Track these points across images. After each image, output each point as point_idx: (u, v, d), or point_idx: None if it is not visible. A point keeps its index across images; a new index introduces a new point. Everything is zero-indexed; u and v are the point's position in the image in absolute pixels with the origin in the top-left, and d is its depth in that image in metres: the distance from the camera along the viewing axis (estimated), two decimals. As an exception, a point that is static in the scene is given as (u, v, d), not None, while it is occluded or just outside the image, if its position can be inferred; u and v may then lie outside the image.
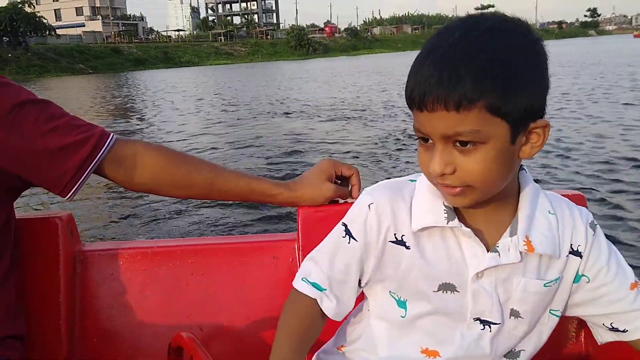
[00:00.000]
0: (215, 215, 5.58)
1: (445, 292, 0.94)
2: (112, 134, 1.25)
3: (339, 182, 1.38)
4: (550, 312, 0.97)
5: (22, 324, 1.26)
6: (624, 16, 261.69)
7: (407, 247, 0.95)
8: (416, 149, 0.90)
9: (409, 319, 0.98)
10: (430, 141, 0.84)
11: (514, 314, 0.94)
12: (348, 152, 8.61)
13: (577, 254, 0.93)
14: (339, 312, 1.01)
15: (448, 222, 0.91)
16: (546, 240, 0.91)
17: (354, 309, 1.06)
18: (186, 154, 1.35)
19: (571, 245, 0.93)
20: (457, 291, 0.93)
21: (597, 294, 0.95)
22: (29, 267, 1.34)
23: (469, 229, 0.90)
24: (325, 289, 1.00)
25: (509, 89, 0.78)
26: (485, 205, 0.90)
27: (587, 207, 1.23)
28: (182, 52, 73.09)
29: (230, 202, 5.39)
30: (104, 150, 1.21)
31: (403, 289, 0.97)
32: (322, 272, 1.01)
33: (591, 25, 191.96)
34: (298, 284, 1.03)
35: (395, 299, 0.99)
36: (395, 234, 0.95)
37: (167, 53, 70.13)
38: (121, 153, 1.25)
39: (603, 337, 1.00)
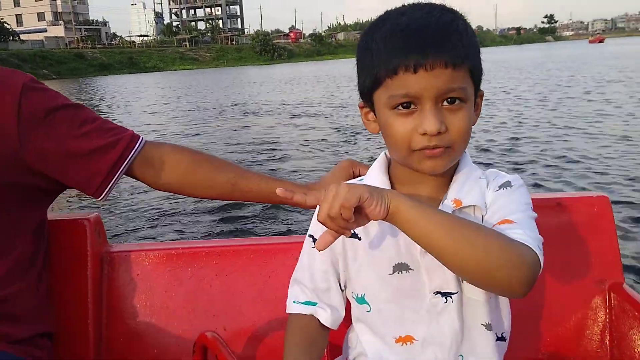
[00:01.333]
0: (238, 216, 5.64)
1: (400, 272, 0.98)
2: (141, 137, 1.31)
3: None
4: None
5: (52, 322, 1.30)
6: (581, 22, 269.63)
7: (359, 238, 1.01)
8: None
9: (374, 312, 1.02)
10: (414, 107, 0.90)
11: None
12: (308, 143, 9.81)
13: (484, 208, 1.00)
14: (335, 319, 1.06)
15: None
16: (473, 194, 0.97)
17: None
18: (211, 155, 1.41)
19: (485, 203, 0.99)
20: (411, 269, 0.97)
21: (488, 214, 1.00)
22: (58, 267, 1.37)
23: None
24: (317, 303, 1.05)
25: (478, 57, 0.93)
26: (427, 181, 0.99)
27: (612, 211, 1.39)
28: (147, 58, 72.76)
29: (252, 203, 5.40)
30: (135, 152, 1.27)
31: (359, 283, 1.03)
32: (307, 288, 1.06)
33: (549, 31, 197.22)
34: (291, 308, 1.08)
35: (354, 297, 1.04)
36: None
37: (132, 58, 69.74)
38: (150, 155, 1.30)
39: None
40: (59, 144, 1.18)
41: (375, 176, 1.03)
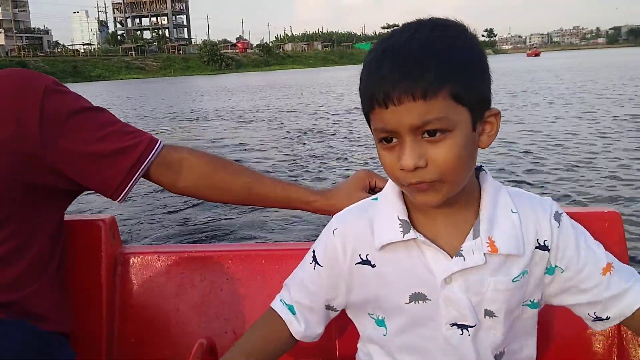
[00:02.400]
0: (252, 221, 5.61)
1: (417, 302, 0.94)
2: (159, 140, 1.31)
3: (374, 193, 1.40)
4: (523, 305, 0.96)
5: (68, 321, 1.30)
6: (519, 36, 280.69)
7: (373, 266, 0.96)
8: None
9: (390, 336, 0.99)
10: (395, 140, 0.84)
11: (489, 313, 0.93)
12: (256, 149, 10.26)
13: (544, 248, 0.93)
14: (307, 335, 1.05)
15: (404, 235, 0.91)
16: (509, 240, 0.90)
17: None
18: (228, 160, 1.41)
19: (537, 240, 0.93)
20: (428, 299, 0.93)
21: (571, 283, 0.96)
22: (72, 268, 1.38)
23: (426, 239, 0.91)
24: (296, 313, 1.04)
25: (468, 76, 0.82)
26: (447, 209, 0.91)
27: (623, 227, 1.36)
28: (92, 66, 71.48)
29: (266, 208, 5.14)
30: (153, 155, 1.27)
31: (379, 308, 0.99)
32: (291, 297, 1.04)
33: (489, 45, 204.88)
34: (276, 304, 1.06)
35: (374, 319, 1.00)
36: (360, 255, 0.96)
37: (76, 67, 68.31)
38: (168, 158, 1.31)
39: (595, 326, 1.00)
40: (80, 146, 1.20)
41: (391, 201, 0.97)
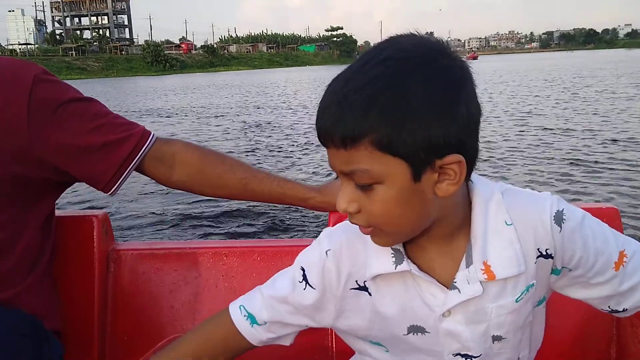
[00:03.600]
0: (246, 217, 5.61)
1: (415, 334, 0.88)
2: (152, 133, 1.29)
3: None
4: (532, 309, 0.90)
5: (59, 319, 1.28)
6: (458, 40, 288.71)
7: (370, 294, 0.89)
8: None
9: (393, 355, 0.94)
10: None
11: (497, 339, 0.87)
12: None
13: (547, 256, 0.84)
14: (266, 342, 0.99)
15: (396, 267, 0.84)
16: (507, 261, 0.81)
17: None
18: (223, 154, 1.39)
19: (538, 249, 0.83)
20: (427, 332, 0.87)
21: (583, 279, 0.88)
22: (64, 264, 1.36)
23: (421, 272, 0.84)
24: (260, 324, 0.96)
25: (398, 122, 0.70)
26: (435, 236, 0.83)
27: (621, 223, 1.35)
28: (31, 67, 70.11)
29: (263, 204, 5.26)
30: (146, 148, 1.25)
31: (374, 335, 0.93)
32: (264, 308, 0.96)
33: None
34: (234, 308, 0.98)
35: (368, 340, 0.95)
36: (357, 281, 0.89)
37: (13, 67, 66.89)
38: (161, 151, 1.29)
39: (613, 314, 0.93)
40: (70, 138, 1.17)
41: (377, 246, 0.87)
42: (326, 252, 0.91)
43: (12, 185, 1.16)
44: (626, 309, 0.90)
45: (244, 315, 0.97)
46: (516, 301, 0.84)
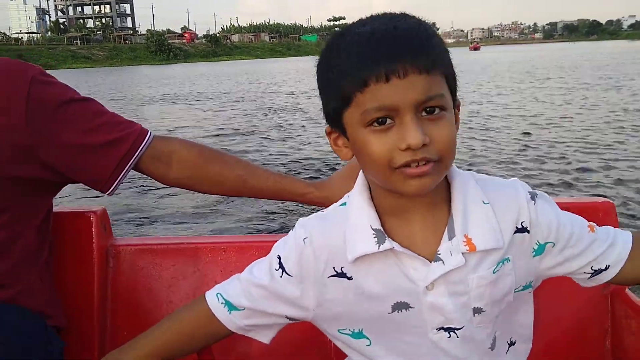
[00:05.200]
0: (246, 213, 5.58)
1: (399, 311, 0.90)
2: (149, 131, 1.30)
3: None
4: (516, 291, 0.92)
5: (60, 315, 1.29)
6: (461, 30, 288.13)
7: (349, 278, 0.90)
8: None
9: (375, 345, 0.95)
10: (390, 121, 0.79)
11: (477, 311, 0.90)
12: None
13: (522, 230, 0.89)
14: (244, 330, 0.99)
15: (379, 246, 0.86)
16: (486, 234, 0.87)
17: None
18: (220, 151, 1.40)
19: (515, 225, 0.89)
20: (411, 307, 0.89)
21: (567, 252, 0.92)
22: (63, 260, 1.37)
23: (403, 249, 0.86)
24: (239, 309, 0.97)
25: (450, 61, 0.83)
26: (418, 210, 0.88)
27: (617, 216, 1.38)
28: (37, 55, 69.77)
29: (262, 200, 4.59)
30: (143, 147, 1.26)
31: (355, 321, 0.94)
32: (242, 295, 0.97)
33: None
34: (211, 295, 0.99)
35: (347, 334, 0.96)
36: (334, 267, 0.91)
37: (21, 56, 66.71)
38: (159, 149, 1.29)
39: (590, 283, 0.97)
40: (70, 138, 1.18)
41: (361, 208, 0.91)
42: (303, 240, 0.92)
43: (11, 185, 1.17)
44: (608, 266, 0.93)
45: (221, 303, 0.98)
46: (493, 272, 0.88)
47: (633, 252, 0.94)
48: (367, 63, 0.77)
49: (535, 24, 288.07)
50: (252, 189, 1.36)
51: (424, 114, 0.79)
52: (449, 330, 0.90)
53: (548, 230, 0.90)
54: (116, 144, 1.23)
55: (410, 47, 0.77)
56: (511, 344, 0.99)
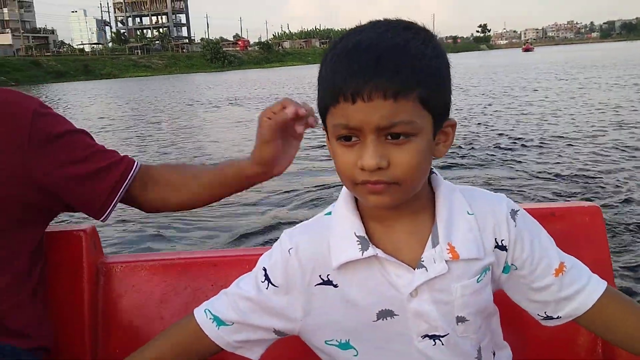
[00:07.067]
0: (233, 227, 5.61)
1: (384, 319, 0.91)
2: (136, 160, 1.34)
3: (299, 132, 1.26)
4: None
5: (49, 335, 1.30)
6: (514, 31, 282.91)
7: (335, 286, 0.92)
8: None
9: (362, 355, 0.96)
10: (355, 139, 0.81)
11: (460, 320, 0.91)
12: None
13: (502, 248, 0.92)
14: (234, 346, 1.00)
15: (363, 252, 0.88)
16: (469, 243, 0.89)
17: None
18: (183, 164, 1.43)
19: (495, 239, 0.92)
20: (396, 315, 0.90)
21: (524, 281, 0.95)
22: (54, 279, 1.37)
23: (386, 255, 0.88)
24: (227, 324, 0.98)
25: (436, 82, 0.80)
26: (403, 216, 0.89)
27: (603, 220, 1.39)
28: (102, 65, 72.91)
29: (248, 213, 5.87)
30: (133, 173, 1.30)
31: (341, 330, 0.95)
32: (230, 309, 0.99)
33: (483, 40, 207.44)
34: (199, 312, 1.01)
35: (335, 345, 0.96)
36: (320, 275, 0.93)
37: (87, 66, 70.16)
38: (147, 175, 1.34)
39: (545, 324, 0.99)
40: (63, 167, 1.23)
41: (345, 216, 0.93)
42: (289, 251, 0.94)
43: (9, 211, 1.21)
44: (560, 317, 0.96)
45: (210, 318, 0.99)
46: (477, 281, 0.90)
47: (601, 308, 0.93)
48: (340, 79, 0.79)
49: (592, 23, 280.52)
50: (221, 189, 1.37)
51: (389, 137, 0.79)
52: (433, 337, 0.91)
53: (519, 254, 0.93)
54: (108, 172, 1.28)
55: (381, 68, 0.76)
56: (494, 353, 1.01)
